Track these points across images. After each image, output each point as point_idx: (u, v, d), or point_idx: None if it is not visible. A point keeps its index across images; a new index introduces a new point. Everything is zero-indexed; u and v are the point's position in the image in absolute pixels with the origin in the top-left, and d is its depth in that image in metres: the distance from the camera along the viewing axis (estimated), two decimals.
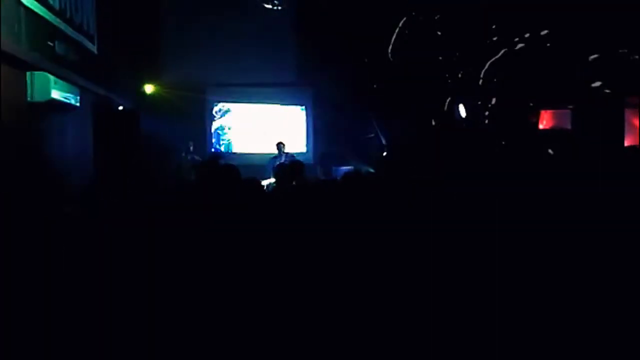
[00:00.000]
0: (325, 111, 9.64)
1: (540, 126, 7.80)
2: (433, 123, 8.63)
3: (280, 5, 9.22)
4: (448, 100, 8.63)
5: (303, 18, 9.45)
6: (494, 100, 8.39)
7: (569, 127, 7.50)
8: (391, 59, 8.72)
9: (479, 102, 8.46)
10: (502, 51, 8.12)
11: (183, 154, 7.63)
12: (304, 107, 10.14)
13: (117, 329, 1.82)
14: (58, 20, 5.09)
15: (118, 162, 5.47)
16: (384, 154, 8.69)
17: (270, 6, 9.15)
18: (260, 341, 1.98)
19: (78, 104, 5.28)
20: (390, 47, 8.75)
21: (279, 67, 9.49)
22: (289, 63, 9.69)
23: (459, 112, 8.44)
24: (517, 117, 7.95)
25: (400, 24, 8.62)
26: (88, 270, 1.94)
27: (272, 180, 6.89)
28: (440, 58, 8.47)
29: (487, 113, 8.43)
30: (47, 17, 4.79)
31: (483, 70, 8.39)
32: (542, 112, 7.80)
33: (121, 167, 5.39)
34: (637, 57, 6.72)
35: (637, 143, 6.74)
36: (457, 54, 8.40)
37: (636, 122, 6.98)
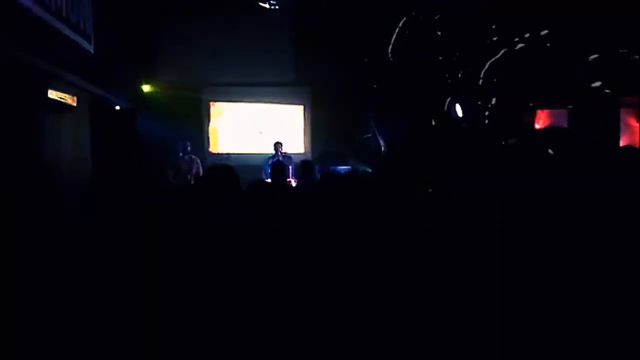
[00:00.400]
0: (323, 110, 9.66)
1: (537, 126, 7.84)
2: (432, 123, 8.66)
3: (277, 4, 9.24)
4: (448, 100, 8.67)
5: (301, 17, 9.47)
6: (494, 100, 8.43)
7: (565, 126, 7.54)
8: (391, 59, 8.75)
9: (479, 102, 8.50)
10: (502, 51, 8.15)
11: (180, 154, 7.65)
12: (302, 107, 10.18)
13: (116, 329, 1.83)
14: (54, 19, 5.11)
15: (116, 161, 5.50)
16: (382, 153, 8.72)
17: (267, 5, 9.16)
18: (260, 341, 1.99)
19: (75, 104, 5.30)
20: (390, 47, 8.77)
21: (277, 66, 9.51)
22: (287, 62, 9.70)
23: (455, 111, 8.48)
24: (516, 116, 7.99)
25: (400, 24, 8.65)
26: (87, 270, 1.95)
27: (268, 181, 6.93)
28: (440, 58, 8.51)
29: (487, 113, 8.47)
30: (43, 16, 4.80)
31: (483, 70, 8.42)
32: (538, 111, 7.85)
33: (119, 166, 5.41)
34: (637, 57, 6.75)
35: (633, 142, 6.76)
36: (457, 54, 8.43)
37: (632, 121, 7.02)
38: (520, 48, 7.90)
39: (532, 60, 7.63)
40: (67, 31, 5.49)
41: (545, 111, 7.78)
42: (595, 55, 7.11)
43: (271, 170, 4.85)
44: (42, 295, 1.88)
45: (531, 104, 7.92)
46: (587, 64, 7.12)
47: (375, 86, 8.84)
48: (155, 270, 1.95)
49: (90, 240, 2.06)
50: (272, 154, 7.78)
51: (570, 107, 7.56)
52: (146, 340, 1.83)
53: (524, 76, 7.73)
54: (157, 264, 1.97)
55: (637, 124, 7.00)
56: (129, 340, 1.83)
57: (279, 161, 6.12)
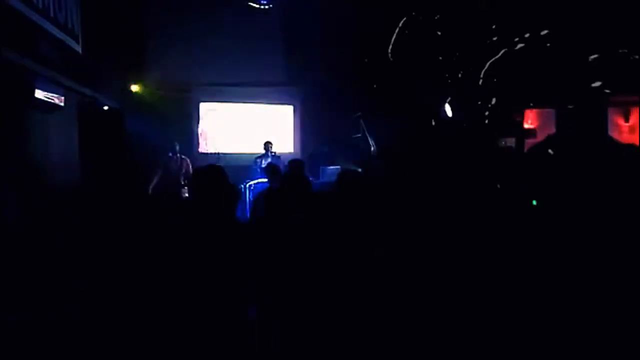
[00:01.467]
0: (313, 111, 9.82)
1: (526, 125, 7.98)
2: (424, 123, 8.76)
3: (268, 4, 9.39)
4: (447, 101, 8.79)
5: (291, 17, 9.62)
6: (494, 100, 8.54)
7: (553, 126, 7.66)
8: (391, 59, 8.88)
9: (479, 102, 8.61)
10: (502, 51, 8.28)
11: (170, 154, 7.75)
12: (292, 107, 10.34)
13: (113, 329, 1.91)
14: (42, 19, 5.21)
15: (104, 161, 5.58)
16: (372, 154, 8.83)
17: (257, 5, 9.32)
18: (253, 341, 2.10)
19: (62, 104, 5.40)
20: (390, 47, 8.90)
21: (267, 66, 9.69)
22: (278, 62, 9.90)
23: (446, 111, 8.60)
24: (511, 116, 8.12)
25: (400, 24, 8.78)
26: (81, 270, 2.04)
27: (257, 181, 7.11)
28: (440, 58, 8.64)
29: (487, 113, 8.58)
30: (30, 15, 4.91)
31: (483, 70, 8.54)
32: (527, 111, 7.99)
33: (107, 166, 5.50)
34: (637, 57, 6.88)
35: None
36: (457, 54, 8.56)
37: (620, 121, 7.18)
38: (520, 48, 8.04)
39: (532, 60, 7.76)
40: (54, 31, 5.60)
41: (534, 111, 7.93)
42: (596, 55, 7.24)
43: (265, 171, 5.01)
44: (39, 295, 1.96)
45: (531, 104, 8.05)
46: (583, 64, 7.25)
47: (374, 86, 8.96)
48: (149, 269, 2.02)
49: (83, 239, 2.14)
50: (262, 153, 7.93)
51: (570, 106, 7.66)
52: (142, 340, 1.91)
53: (523, 76, 7.86)
54: (150, 262, 2.04)
55: (625, 124, 7.16)
56: (124, 340, 1.90)
57: (271, 163, 6.24)
